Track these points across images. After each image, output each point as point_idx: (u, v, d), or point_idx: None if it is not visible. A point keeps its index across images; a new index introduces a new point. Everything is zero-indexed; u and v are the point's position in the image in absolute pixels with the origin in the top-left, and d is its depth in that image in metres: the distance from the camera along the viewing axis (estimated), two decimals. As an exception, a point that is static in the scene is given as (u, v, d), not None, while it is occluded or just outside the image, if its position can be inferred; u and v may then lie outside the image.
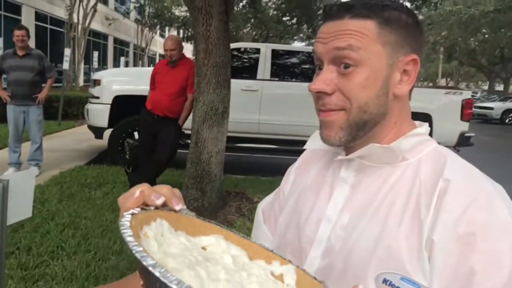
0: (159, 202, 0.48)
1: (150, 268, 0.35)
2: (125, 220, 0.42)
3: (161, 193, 0.48)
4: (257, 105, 6.14)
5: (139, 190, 0.48)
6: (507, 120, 20.30)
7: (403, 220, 0.66)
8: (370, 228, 0.68)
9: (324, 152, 0.85)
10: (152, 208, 0.48)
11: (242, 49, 6.68)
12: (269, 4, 11.66)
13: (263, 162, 7.14)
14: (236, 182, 5.20)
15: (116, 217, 3.82)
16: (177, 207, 0.49)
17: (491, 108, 20.72)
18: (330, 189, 0.78)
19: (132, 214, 0.44)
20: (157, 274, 0.34)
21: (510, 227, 0.60)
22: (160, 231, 0.45)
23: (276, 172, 5.98)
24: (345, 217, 0.73)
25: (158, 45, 31.42)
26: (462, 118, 6.34)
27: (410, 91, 0.75)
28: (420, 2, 11.52)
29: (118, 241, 3.30)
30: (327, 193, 0.78)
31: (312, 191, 0.81)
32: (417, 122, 0.78)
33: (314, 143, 0.83)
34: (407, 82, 0.72)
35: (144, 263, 0.35)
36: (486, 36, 24.61)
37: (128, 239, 0.38)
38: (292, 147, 5.90)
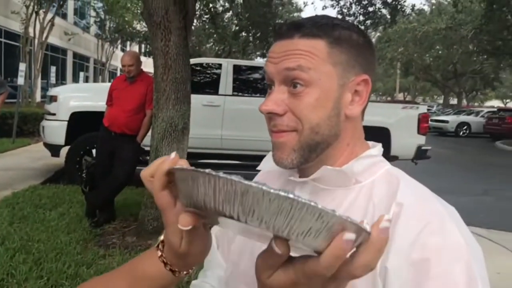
0: None
1: (234, 178, 0.38)
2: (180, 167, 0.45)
3: (181, 164, 0.49)
4: (219, 120, 6.11)
5: (174, 153, 0.50)
6: (461, 133, 21.17)
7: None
8: None
9: (279, 174, 0.83)
10: None
11: (204, 64, 6.66)
12: (231, 20, 11.74)
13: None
14: (198, 199, 5.10)
15: (71, 238, 3.66)
16: None
17: (446, 122, 21.56)
18: None
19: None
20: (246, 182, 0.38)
21: (463, 250, 0.59)
22: None
23: (239, 188, 5.90)
24: None
25: (119, 60, 30.86)
26: (419, 132, 6.53)
27: (363, 111, 0.73)
28: (369, 23, 11.95)
29: (73, 264, 3.14)
30: None
31: None
32: (370, 143, 0.77)
33: (267, 164, 0.80)
34: (358, 103, 0.71)
35: (229, 177, 0.39)
36: (440, 52, 25.72)
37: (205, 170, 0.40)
38: (255, 163, 5.84)
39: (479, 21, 13.38)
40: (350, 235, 0.38)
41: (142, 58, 4.23)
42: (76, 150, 5.75)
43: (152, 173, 0.49)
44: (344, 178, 0.70)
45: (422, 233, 0.59)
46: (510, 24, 12.70)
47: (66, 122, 5.81)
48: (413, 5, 11.80)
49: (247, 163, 6.06)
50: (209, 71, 6.60)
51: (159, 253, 0.54)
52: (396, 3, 10.92)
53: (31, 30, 16.12)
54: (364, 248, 0.40)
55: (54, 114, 5.90)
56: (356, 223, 0.39)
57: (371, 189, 0.68)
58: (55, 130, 5.86)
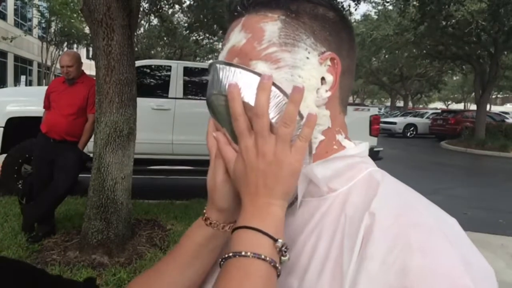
0: None
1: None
2: None
3: None
4: (170, 124, 5.88)
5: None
6: (408, 134, 21.94)
7: (324, 271, 0.50)
8: (289, 282, 0.52)
9: None
10: None
11: (153, 66, 6.41)
12: (181, 21, 11.44)
13: (177, 184, 6.84)
14: (148, 209, 4.83)
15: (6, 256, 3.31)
16: None
17: (395, 123, 22.27)
18: None
19: None
20: None
21: (457, 273, 0.44)
22: None
23: (192, 195, 5.75)
24: None
25: (65, 63, 29.67)
26: (371, 134, 6.59)
27: (343, 101, 0.64)
28: None
29: None
30: None
31: None
32: (356, 142, 0.63)
33: None
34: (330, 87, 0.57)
35: None
36: (386, 56, 26.57)
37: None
38: (208, 168, 5.69)
39: (419, 24, 13.79)
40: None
41: (89, 61, 3.96)
42: (14, 158, 5.37)
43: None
44: (311, 185, 0.56)
45: (401, 253, 0.45)
46: (443, 26, 13.22)
47: (1, 129, 5.40)
48: None
49: (200, 169, 5.85)
50: (158, 74, 6.35)
51: (205, 219, 0.61)
52: None
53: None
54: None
55: (-12, 120, 5.45)
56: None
57: (347, 197, 0.55)
58: (-11, 137, 5.41)
